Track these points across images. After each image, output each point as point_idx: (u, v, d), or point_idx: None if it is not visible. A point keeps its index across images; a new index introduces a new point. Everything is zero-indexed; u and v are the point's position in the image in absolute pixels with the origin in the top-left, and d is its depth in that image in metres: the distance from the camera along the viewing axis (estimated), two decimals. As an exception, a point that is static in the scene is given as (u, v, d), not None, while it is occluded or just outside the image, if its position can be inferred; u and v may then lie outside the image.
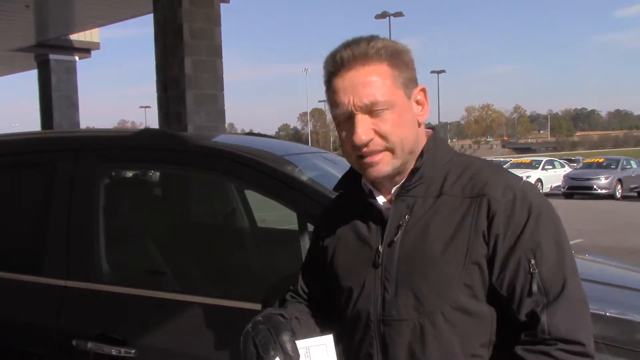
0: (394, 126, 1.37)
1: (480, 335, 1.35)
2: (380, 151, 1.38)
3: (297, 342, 1.35)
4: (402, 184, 1.43)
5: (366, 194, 1.50)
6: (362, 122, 1.36)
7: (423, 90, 1.45)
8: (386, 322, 1.39)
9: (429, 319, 1.34)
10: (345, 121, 1.39)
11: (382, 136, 1.37)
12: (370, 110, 1.36)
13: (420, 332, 1.35)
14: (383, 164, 1.39)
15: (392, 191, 1.45)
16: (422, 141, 1.46)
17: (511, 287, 1.31)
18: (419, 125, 1.45)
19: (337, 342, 1.55)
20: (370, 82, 1.36)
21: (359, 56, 1.37)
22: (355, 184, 1.53)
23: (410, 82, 1.42)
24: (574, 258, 1.37)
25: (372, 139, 1.36)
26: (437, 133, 1.51)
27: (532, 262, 1.30)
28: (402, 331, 1.37)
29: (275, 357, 1.34)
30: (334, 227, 1.56)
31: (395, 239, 1.39)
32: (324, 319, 1.59)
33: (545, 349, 1.26)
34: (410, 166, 1.44)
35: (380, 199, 1.47)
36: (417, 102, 1.44)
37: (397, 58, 1.39)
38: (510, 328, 1.33)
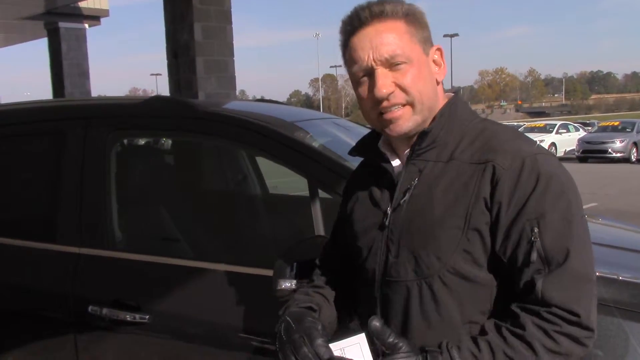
0: (413, 80, 1.37)
1: (479, 302, 1.35)
2: (402, 105, 1.38)
3: (331, 345, 1.33)
4: (412, 147, 1.43)
5: (379, 157, 1.50)
6: (382, 75, 1.37)
7: (439, 49, 1.46)
8: (386, 282, 1.42)
9: (427, 282, 1.36)
10: (364, 79, 1.40)
11: (403, 89, 1.37)
12: (390, 64, 1.37)
13: (418, 294, 1.37)
14: (404, 120, 1.39)
15: (405, 152, 1.46)
16: (441, 101, 1.46)
17: (513, 255, 1.30)
18: (437, 83, 1.45)
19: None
20: (389, 37, 1.37)
21: (376, 15, 1.39)
22: (373, 148, 1.54)
23: (426, 41, 1.43)
24: (588, 233, 1.32)
25: (392, 92, 1.37)
26: (457, 96, 1.50)
27: (535, 230, 1.27)
28: (399, 292, 1.39)
29: None
30: (354, 190, 1.59)
31: (401, 202, 1.41)
32: (351, 280, 1.60)
33: (536, 309, 1.25)
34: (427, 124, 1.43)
35: (396, 163, 1.48)
36: (434, 62, 1.45)
37: (413, 17, 1.41)
38: (512, 298, 1.31)
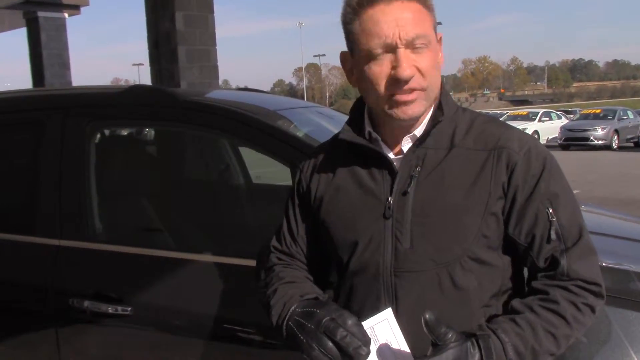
0: (431, 64, 1.35)
1: (492, 286, 1.37)
2: (418, 90, 1.34)
3: (362, 323, 1.28)
4: (421, 135, 1.39)
5: (370, 142, 1.43)
6: (406, 56, 1.31)
7: (440, 38, 1.44)
8: (399, 274, 1.36)
9: (448, 270, 1.34)
10: (382, 56, 1.33)
11: (422, 73, 1.33)
12: (413, 46, 1.32)
13: (438, 283, 1.34)
14: (417, 104, 1.35)
15: (404, 141, 1.42)
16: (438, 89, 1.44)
17: (530, 235, 1.34)
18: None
19: (333, 295, 1.52)
20: (414, 17, 1.32)
21: None
22: (360, 134, 1.46)
23: (436, 27, 1.41)
24: None
25: (414, 75, 1.32)
26: (443, 84, 1.47)
27: (550, 210, 1.33)
28: (417, 282, 1.35)
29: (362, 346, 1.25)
30: (327, 176, 1.51)
31: (408, 190, 1.37)
32: (315, 276, 1.56)
33: (563, 284, 1.31)
34: (425, 115, 1.41)
35: (387, 150, 1.44)
36: None
37: (429, 1, 1.39)
38: (521, 279, 1.41)
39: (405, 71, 1.30)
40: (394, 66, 1.31)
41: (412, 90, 1.33)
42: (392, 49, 1.31)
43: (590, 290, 1.31)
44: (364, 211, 1.42)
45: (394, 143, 1.44)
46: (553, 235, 1.32)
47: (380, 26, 1.31)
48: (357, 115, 1.50)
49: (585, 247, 1.34)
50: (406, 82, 1.31)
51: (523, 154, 1.35)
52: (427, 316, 1.20)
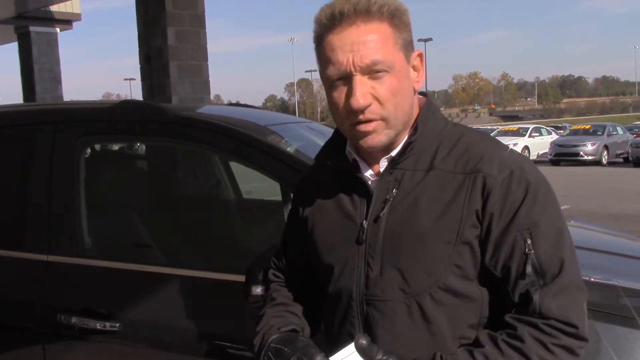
0: (391, 92, 1.26)
1: (468, 317, 1.29)
2: (376, 120, 1.27)
3: (330, 358, 1.27)
4: (393, 158, 1.33)
5: (351, 165, 1.39)
6: (361, 84, 1.24)
7: (420, 55, 1.35)
8: (370, 301, 1.31)
9: (417, 300, 1.27)
10: (339, 83, 1.27)
11: (380, 101, 1.25)
12: (370, 71, 1.24)
13: (407, 313, 1.28)
14: (377, 134, 1.28)
15: (381, 163, 1.35)
16: (416, 110, 1.36)
17: (505, 268, 1.25)
18: (414, 92, 1.36)
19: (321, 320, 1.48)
20: (372, 40, 1.24)
21: (360, 12, 1.24)
22: (339, 152, 1.42)
23: (409, 45, 1.31)
24: (572, 240, 1.29)
25: (370, 104, 1.25)
26: (430, 100, 1.40)
27: (528, 242, 1.23)
28: (386, 312, 1.29)
29: None
30: (313, 196, 1.46)
31: (381, 215, 1.31)
32: (310, 295, 1.52)
33: (533, 321, 1.21)
34: (403, 137, 1.34)
35: (366, 171, 1.38)
36: (414, 68, 1.34)
37: (398, 17, 1.28)
38: (503, 310, 1.27)
39: (357, 101, 1.24)
40: (348, 95, 1.26)
41: (369, 120, 1.26)
42: (347, 76, 1.25)
43: (564, 331, 1.20)
44: (342, 235, 1.36)
45: (374, 163, 1.38)
46: (529, 270, 1.22)
47: (336, 53, 1.25)
48: (339, 134, 1.44)
49: (566, 284, 1.22)
50: (361, 111, 1.25)
51: (502, 179, 1.25)
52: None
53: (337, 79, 1.27)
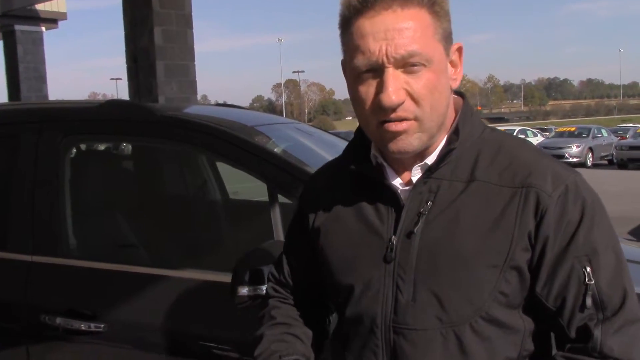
0: (428, 89, 1.09)
1: (508, 350, 1.14)
2: (409, 119, 1.10)
3: None
4: (430, 166, 1.16)
5: (377, 170, 1.22)
6: (394, 78, 1.07)
7: (459, 49, 1.18)
8: (398, 330, 1.14)
9: (454, 331, 1.11)
10: (368, 75, 1.11)
11: (414, 99, 1.09)
12: (405, 64, 1.08)
13: (442, 345, 1.12)
14: (408, 135, 1.11)
15: (413, 170, 1.19)
16: (451, 111, 1.20)
17: (560, 298, 1.10)
18: (451, 91, 1.19)
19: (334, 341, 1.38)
20: (410, 28, 1.07)
21: None
22: (365, 158, 1.25)
23: (449, 37, 1.15)
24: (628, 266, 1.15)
25: (403, 102, 1.08)
26: (468, 101, 1.24)
27: (588, 270, 1.08)
28: (418, 342, 1.13)
29: None
30: (327, 204, 1.29)
31: (415, 230, 1.13)
32: (313, 314, 1.38)
33: None
34: (438, 141, 1.17)
35: (394, 178, 1.21)
36: (451, 63, 1.17)
37: (439, 4, 1.12)
38: (544, 343, 1.16)
39: (389, 98, 1.07)
40: (378, 90, 1.09)
41: (401, 119, 1.10)
42: (378, 68, 1.09)
43: None
44: (365, 251, 1.19)
45: (404, 170, 1.21)
46: (589, 302, 1.07)
47: (366, 40, 1.08)
48: (363, 135, 1.26)
49: (627, 317, 1.08)
50: (393, 110, 1.09)
51: (557, 196, 1.09)
52: None
53: (365, 70, 1.10)
